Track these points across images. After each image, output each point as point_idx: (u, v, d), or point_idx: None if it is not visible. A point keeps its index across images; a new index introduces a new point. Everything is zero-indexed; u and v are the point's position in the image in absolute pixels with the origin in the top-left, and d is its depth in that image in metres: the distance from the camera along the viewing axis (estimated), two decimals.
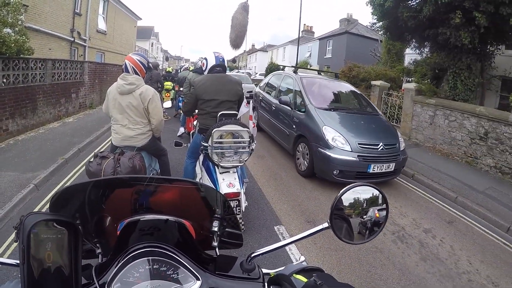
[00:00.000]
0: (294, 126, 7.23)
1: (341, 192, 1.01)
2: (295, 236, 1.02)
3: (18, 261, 0.90)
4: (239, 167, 3.97)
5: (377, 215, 1.04)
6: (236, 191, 3.60)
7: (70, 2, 16.16)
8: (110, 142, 8.12)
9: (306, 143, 6.63)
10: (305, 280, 0.87)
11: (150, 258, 0.93)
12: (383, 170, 6.06)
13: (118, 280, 0.91)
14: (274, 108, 8.62)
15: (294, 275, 0.90)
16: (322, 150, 6.02)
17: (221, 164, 3.78)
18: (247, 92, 15.16)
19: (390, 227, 4.96)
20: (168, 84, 12.24)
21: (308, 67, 27.28)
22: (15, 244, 4.15)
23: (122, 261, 0.92)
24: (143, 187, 1.15)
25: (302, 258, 1.06)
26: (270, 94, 9.52)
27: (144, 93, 3.63)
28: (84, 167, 6.61)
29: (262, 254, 1.03)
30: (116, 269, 0.92)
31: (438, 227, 5.16)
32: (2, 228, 4.48)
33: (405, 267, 3.92)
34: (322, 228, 0.99)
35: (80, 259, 0.89)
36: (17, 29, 8.69)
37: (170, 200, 1.17)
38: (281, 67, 10.46)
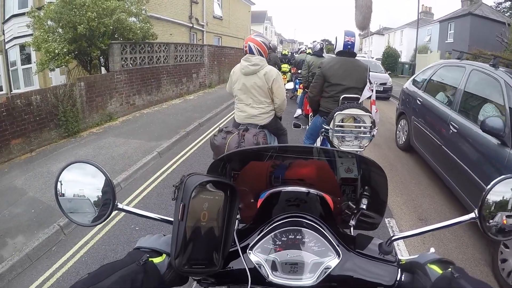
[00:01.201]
0: None
1: (492, 183, 0.88)
2: (439, 224, 0.94)
3: (167, 217, 0.99)
4: (359, 152, 3.81)
5: None
6: (354, 177, 3.48)
7: None
8: (229, 118, 8.74)
9: None
10: (440, 271, 0.80)
11: (294, 228, 0.93)
12: None
13: (260, 246, 0.93)
14: (453, 130, 4.49)
15: (428, 264, 0.84)
16: None
17: (341, 148, 3.66)
18: (380, 84, 13.69)
19: None
20: (285, 67, 12.15)
21: (429, 52, 24.90)
22: (137, 200, 4.44)
23: (268, 229, 0.94)
24: (279, 160, 1.17)
25: (432, 250, 0.92)
26: (435, 97, 5.64)
27: (268, 74, 3.65)
28: (203, 141, 7.01)
29: (403, 238, 0.98)
30: (260, 235, 0.94)
31: None
32: (126, 186, 4.83)
33: None
34: (469, 219, 0.90)
35: (233, 222, 0.93)
36: (141, 18, 9.57)
37: (308, 174, 1.18)
38: (456, 53, 5.88)
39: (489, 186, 0.88)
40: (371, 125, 3.66)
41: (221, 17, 22.25)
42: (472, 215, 0.90)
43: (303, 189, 1.13)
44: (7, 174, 5.06)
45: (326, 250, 0.92)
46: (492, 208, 0.89)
